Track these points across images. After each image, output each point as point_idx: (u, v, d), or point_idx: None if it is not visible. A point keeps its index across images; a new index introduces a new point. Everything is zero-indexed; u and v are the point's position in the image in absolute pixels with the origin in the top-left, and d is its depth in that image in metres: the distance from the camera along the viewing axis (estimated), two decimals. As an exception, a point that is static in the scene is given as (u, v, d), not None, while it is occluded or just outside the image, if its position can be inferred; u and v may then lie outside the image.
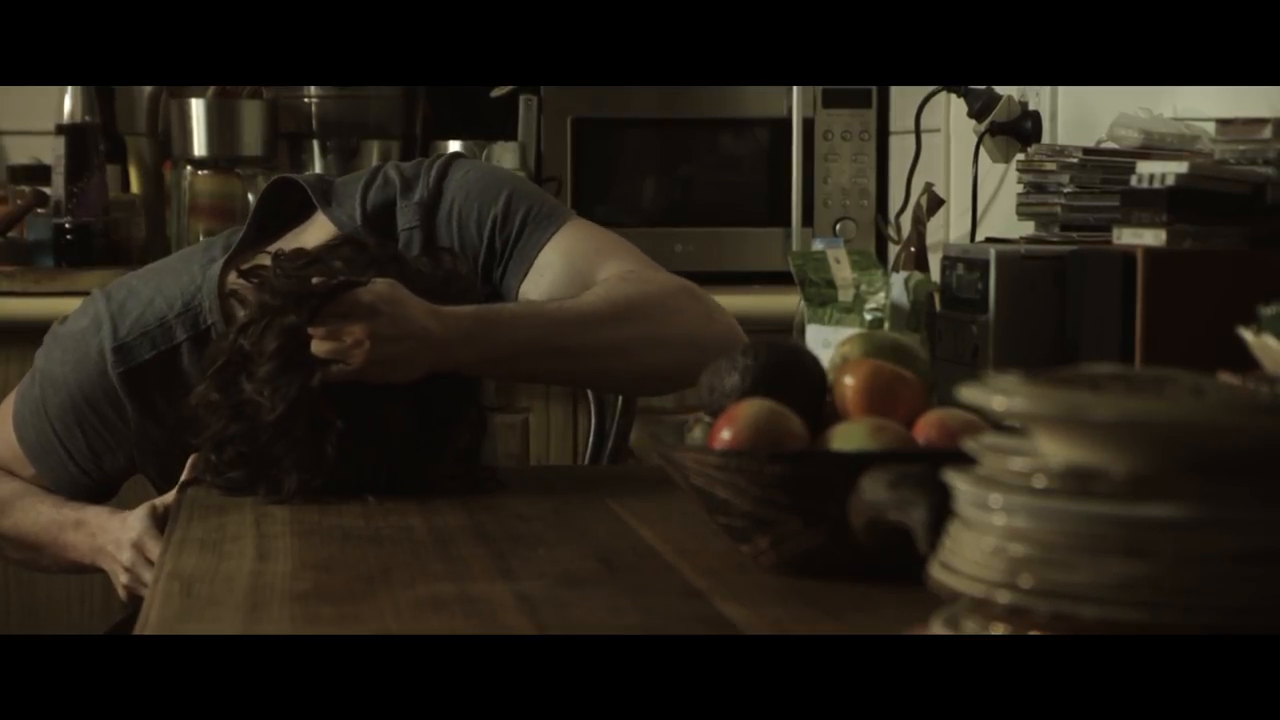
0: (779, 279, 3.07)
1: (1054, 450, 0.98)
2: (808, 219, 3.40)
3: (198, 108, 3.33)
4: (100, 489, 2.04)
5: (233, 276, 1.92)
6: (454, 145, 3.35)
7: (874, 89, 3.42)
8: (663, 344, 1.89)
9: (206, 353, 1.86)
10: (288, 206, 2.03)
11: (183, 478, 1.87)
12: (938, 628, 1.02)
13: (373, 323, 1.72)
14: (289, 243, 1.93)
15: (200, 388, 1.80)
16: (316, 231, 1.98)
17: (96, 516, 1.98)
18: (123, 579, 1.94)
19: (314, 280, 1.76)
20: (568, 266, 1.95)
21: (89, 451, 2.00)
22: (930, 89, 3.05)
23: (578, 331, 1.86)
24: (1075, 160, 2.23)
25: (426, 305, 1.77)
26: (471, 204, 1.98)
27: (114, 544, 1.94)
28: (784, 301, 2.72)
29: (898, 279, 2.06)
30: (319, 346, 1.73)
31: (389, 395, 1.75)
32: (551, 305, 1.88)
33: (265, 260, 1.85)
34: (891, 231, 3.25)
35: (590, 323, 1.86)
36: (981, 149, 2.94)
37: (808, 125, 3.39)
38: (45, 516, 2.01)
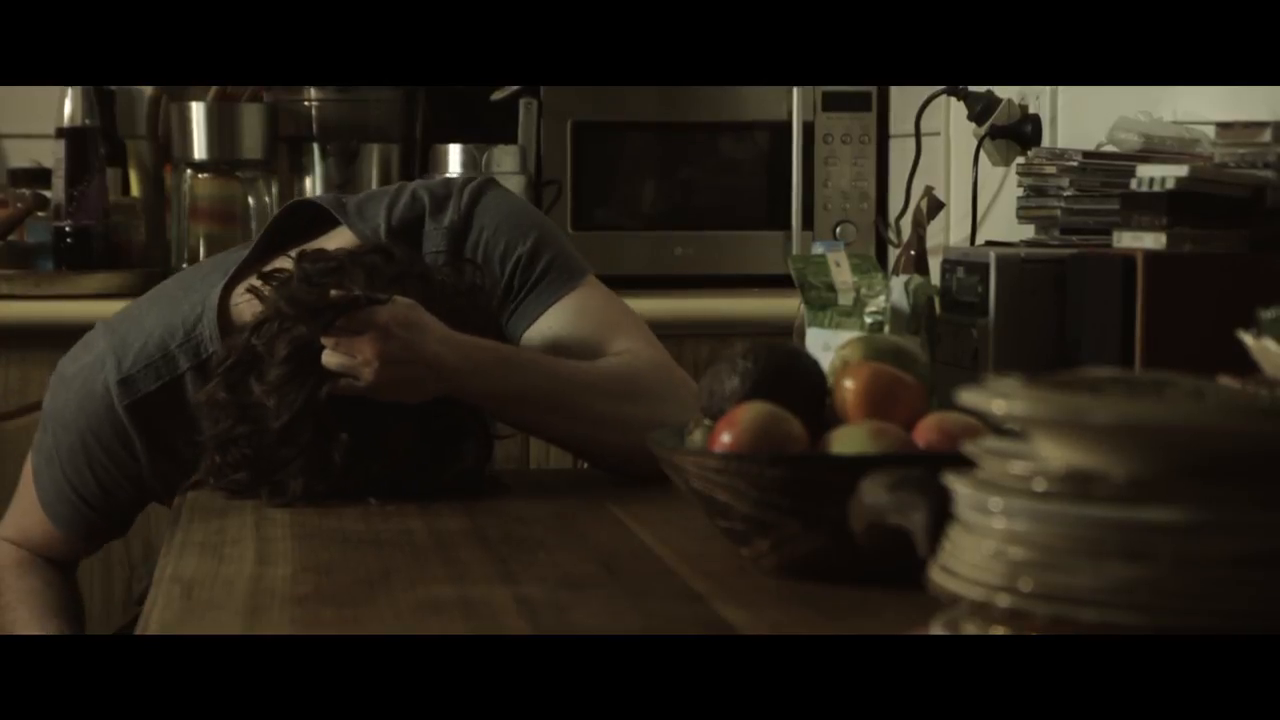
0: (779, 282, 3.06)
1: (1054, 453, 0.98)
2: (808, 222, 3.40)
3: (198, 111, 3.33)
4: (114, 528, 2.06)
5: (244, 285, 1.91)
6: (454, 149, 3.35)
7: (874, 93, 3.42)
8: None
9: (215, 352, 1.86)
10: (293, 229, 2.02)
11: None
12: (938, 631, 1.02)
13: (384, 345, 1.73)
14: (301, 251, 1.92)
15: (209, 384, 1.80)
16: (335, 242, 1.97)
17: None
18: None
19: (333, 293, 1.76)
20: (576, 327, 1.95)
21: (99, 490, 1.99)
22: (930, 93, 3.05)
23: (586, 396, 1.86)
24: (1075, 164, 2.23)
25: (442, 332, 1.77)
26: (500, 237, 1.97)
27: None
28: (784, 305, 2.72)
29: (898, 282, 2.06)
30: (329, 358, 1.73)
31: (394, 412, 1.76)
32: (568, 364, 1.89)
33: (286, 264, 1.85)
34: (891, 235, 3.25)
35: (600, 391, 1.87)
36: (981, 152, 2.94)
37: (808, 129, 3.39)
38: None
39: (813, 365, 1.50)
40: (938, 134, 3.21)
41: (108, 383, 1.95)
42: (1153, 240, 1.93)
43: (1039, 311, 2.05)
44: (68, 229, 3.13)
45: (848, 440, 1.39)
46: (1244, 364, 1.48)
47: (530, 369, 1.85)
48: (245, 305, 1.89)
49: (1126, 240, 1.98)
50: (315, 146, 3.43)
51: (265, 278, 1.83)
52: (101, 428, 1.96)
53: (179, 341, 1.95)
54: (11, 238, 3.19)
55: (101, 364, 1.96)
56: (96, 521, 2.01)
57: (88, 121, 3.13)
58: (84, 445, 1.97)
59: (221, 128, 3.33)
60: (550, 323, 1.95)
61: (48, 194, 3.18)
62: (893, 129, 3.46)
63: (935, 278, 2.42)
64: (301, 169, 3.45)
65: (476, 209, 1.98)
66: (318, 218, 2.01)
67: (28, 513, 2.05)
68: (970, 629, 0.99)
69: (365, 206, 2.00)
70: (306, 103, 3.43)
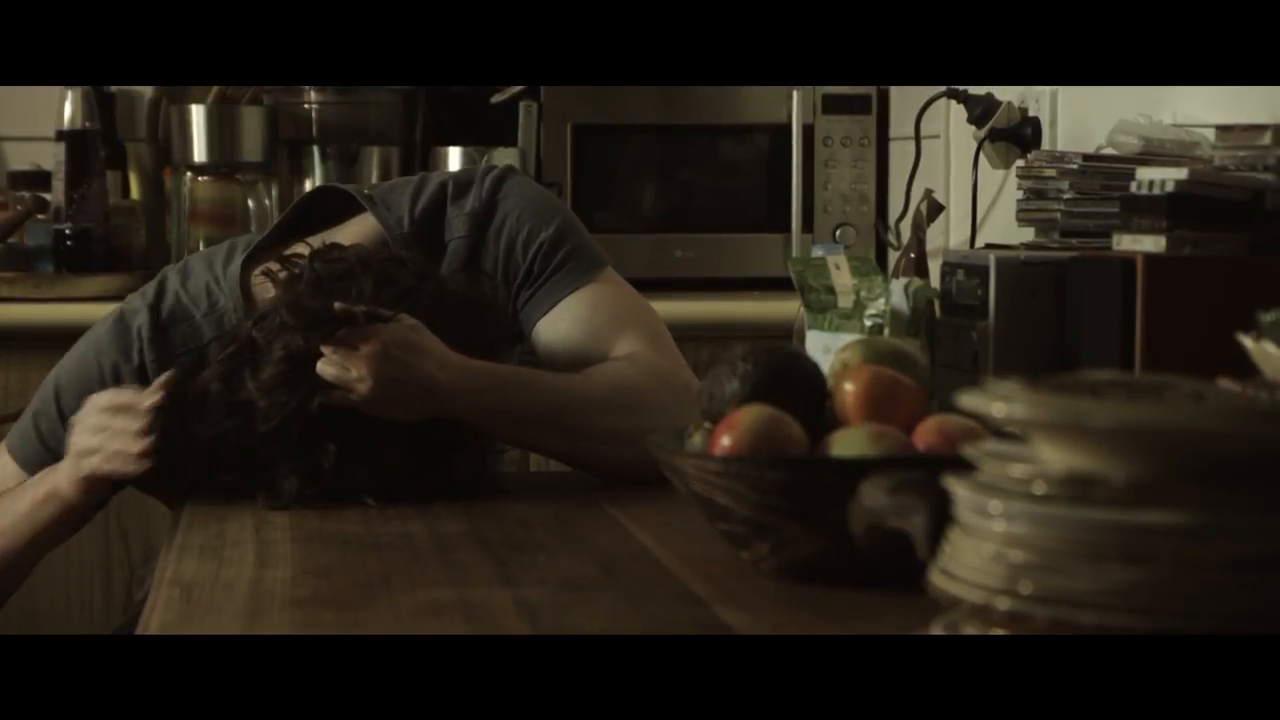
0: (779, 285, 3.06)
1: (1054, 456, 0.98)
2: (808, 225, 3.40)
3: (198, 114, 3.33)
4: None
5: (262, 267, 1.90)
6: (454, 152, 3.35)
7: (874, 95, 3.42)
8: None
9: (221, 335, 1.86)
10: (317, 216, 2.01)
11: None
12: (937, 634, 1.02)
13: (380, 364, 1.73)
14: (323, 240, 1.91)
15: (208, 370, 1.80)
16: (353, 233, 1.97)
17: (38, 476, 1.89)
18: (114, 446, 1.79)
19: (336, 306, 1.75)
20: (589, 321, 1.95)
21: None
22: (930, 95, 3.05)
23: (583, 412, 1.86)
24: (1075, 166, 2.22)
25: (441, 355, 1.77)
26: (524, 222, 1.98)
27: (78, 444, 1.82)
28: (784, 307, 2.72)
29: (897, 285, 2.06)
30: (325, 368, 1.73)
31: (384, 424, 1.76)
32: (566, 379, 1.89)
33: (304, 250, 1.85)
34: (891, 238, 3.25)
35: (597, 406, 1.87)
36: (981, 155, 2.94)
37: (808, 131, 3.39)
38: None
39: (812, 368, 1.50)
40: (937, 137, 3.21)
41: (140, 330, 1.92)
42: (1152, 243, 1.93)
43: (1039, 314, 2.05)
44: (68, 231, 3.13)
45: (848, 443, 1.39)
46: (1244, 367, 1.48)
47: (528, 389, 1.85)
48: (260, 287, 1.89)
49: (1126, 243, 1.98)
50: (315, 149, 3.43)
51: (283, 262, 1.83)
52: (122, 367, 1.92)
53: (204, 312, 1.94)
54: (11, 240, 3.19)
55: (136, 313, 1.94)
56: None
57: (88, 124, 3.13)
58: (101, 381, 1.91)
59: (221, 130, 3.34)
60: (564, 313, 1.95)
61: (48, 197, 3.18)
62: (893, 132, 3.46)
63: (935, 280, 2.42)
64: (301, 171, 3.45)
65: (500, 194, 1.99)
66: (341, 205, 2.01)
67: None
68: (970, 631, 0.99)
69: (389, 196, 2.00)
70: (306, 105, 3.43)
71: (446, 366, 1.77)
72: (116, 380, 1.91)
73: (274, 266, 1.84)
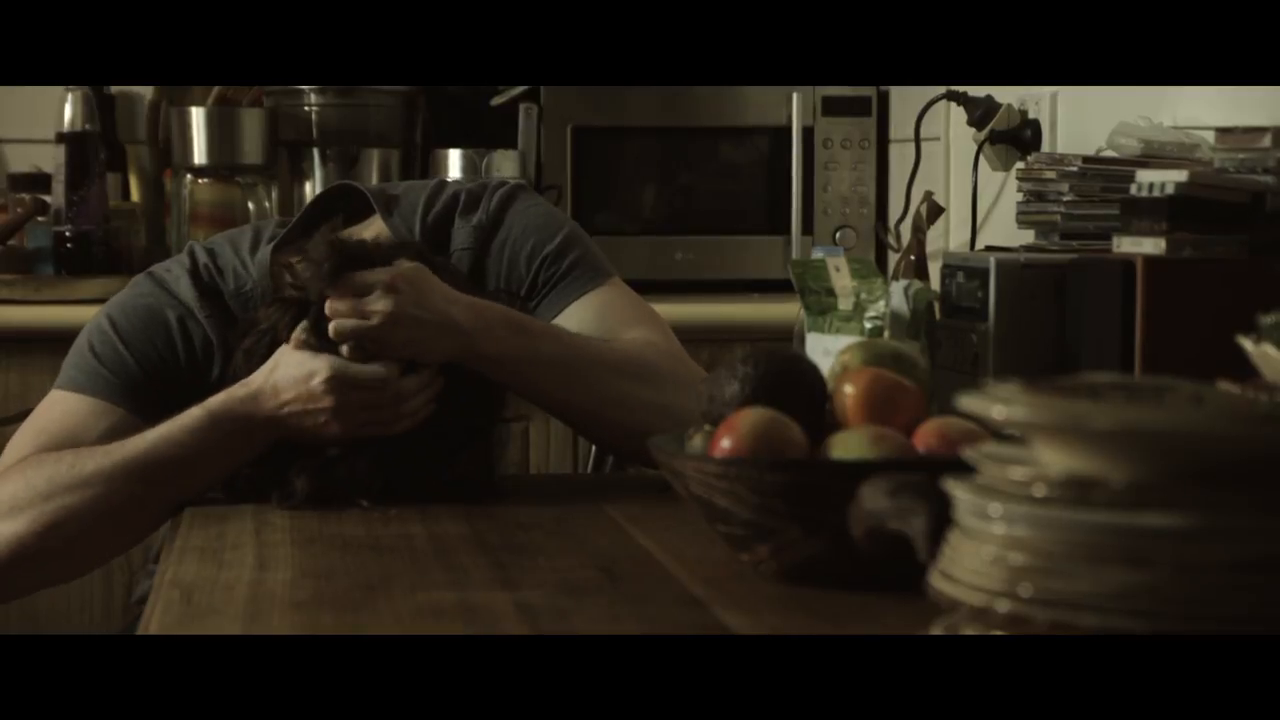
0: (779, 287, 3.07)
1: (1054, 459, 0.98)
2: (807, 227, 3.40)
3: (198, 116, 3.33)
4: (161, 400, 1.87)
5: (283, 263, 1.91)
6: (454, 154, 3.35)
7: (874, 97, 3.43)
8: (665, 413, 1.83)
9: (242, 320, 1.86)
10: (337, 213, 2.02)
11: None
12: (937, 636, 1.02)
13: (394, 301, 1.73)
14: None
15: (226, 365, 1.82)
16: (371, 234, 1.97)
17: (217, 399, 1.80)
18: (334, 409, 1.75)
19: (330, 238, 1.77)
20: (599, 322, 1.95)
21: (158, 359, 1.88)
22: (930, 97, 3.05)
23: (597, 370, 1.87)
24: (1075, 169, 2.23)
25: (449, 292, 1.79)
26: (528, 237, 1.98)
27: (282, 392, 1.76)
28: (784, 310, 2.72)
29: (897, 287, 2.06)
30: (339, 324, 1.73)
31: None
32: (580, 337, 1.90)
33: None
34: (891, 240, 3.25)
35: (610, 367, 1.88)
36: (981, 157, 2.94)
37: (807, 133, 3.39)
38: (142, 440, 1.80)
39: (812, 370, 1.50)
40: (937, 139, 3.21)
41: (190, 296, 1.91)
42: (1152, 245, 1.93)
43: (1039, 316, 2.05)
44: (68, 234, 3.13)
45: (848, 445, 1.39)
46: (1244, 369, 1.48)
47: (540, 336, 1.86)
48: (292, 260, 1.89)
49: (1126, 245, 1.98)
50: (315, 151, 3.43)
51: (302, 251, 1.83)
52: (177, 308, 1.90)
53: (230, 291, 1.93)
54: (11, 242, 3.19)
55: (177, 281, 1.93)
56: (143, 386, 1.88)
57: (88, 126, 3.13)
58: (152, 315, 1.89)
59: (221, 132, 3.34)
60: (572, 317, 1.96)
61: (48, 199, 3.18)
62: (892, 134, 3.46)
63: (935, 283, 2.43)
64: (301, 174, 3.45)
65: (506, 212, 1.99)
66: (359, 204, 2.02)
67: (52, 419, 1.89)
68: (970, 634, 0.99)
69: (405, 198, 2.01)
70: (306, 107, 3.43)
71: (457, 302, 1.78)
72: (184, 330, 1.90)
73: (294, 259, 1.84)
